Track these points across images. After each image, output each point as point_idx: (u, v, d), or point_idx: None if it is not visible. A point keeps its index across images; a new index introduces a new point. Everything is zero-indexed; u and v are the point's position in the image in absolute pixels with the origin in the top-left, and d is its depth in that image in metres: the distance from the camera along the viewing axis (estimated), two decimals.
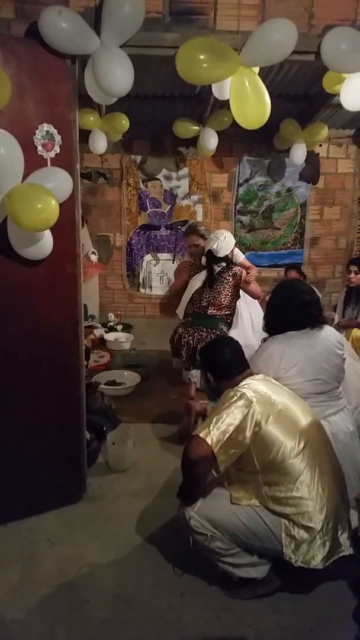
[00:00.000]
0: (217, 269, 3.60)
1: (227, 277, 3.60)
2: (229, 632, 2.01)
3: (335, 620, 2.06)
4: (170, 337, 3.85)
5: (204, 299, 3.58)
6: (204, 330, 3.51)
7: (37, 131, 2.29)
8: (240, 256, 4.38)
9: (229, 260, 3.73)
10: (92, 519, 2.68)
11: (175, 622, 2.05)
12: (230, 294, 3.59)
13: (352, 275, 4.11)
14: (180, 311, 3.72)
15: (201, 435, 1.92)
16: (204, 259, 3.69)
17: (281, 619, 2.06)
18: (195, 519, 2.06)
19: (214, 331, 3.51)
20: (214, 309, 3.58)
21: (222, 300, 3.59)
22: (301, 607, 2.12)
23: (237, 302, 3.79)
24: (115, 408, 3.67)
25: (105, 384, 4.16)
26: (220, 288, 3.58)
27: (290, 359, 2.36)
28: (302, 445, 2.01)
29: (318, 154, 5.64)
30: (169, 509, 2.47)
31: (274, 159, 5.62)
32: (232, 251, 3.97)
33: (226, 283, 3.59)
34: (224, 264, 3.62)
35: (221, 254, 3.62)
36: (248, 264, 4.32)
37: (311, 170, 5.68)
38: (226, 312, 3.64)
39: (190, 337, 3.53)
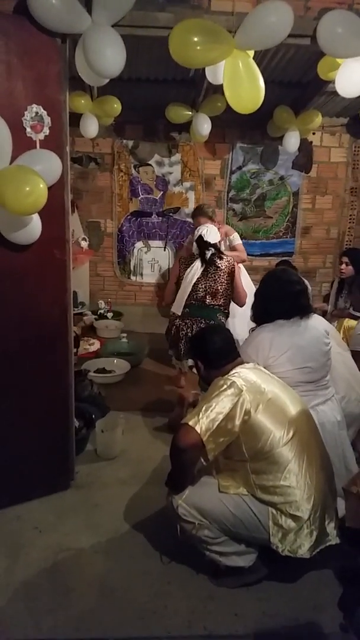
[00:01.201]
0: (208, 254, 3.57)
1: (220, 265, 3.57)
2: (216, 620, 2.02)
3: (321, 608, 2.07)
4: (166, 329, 3.81)
5: (200, 289, 3.55)
6: (202, 321, 3.48)
7: (26, 112, 2.24)
8: (237, 239, 4.38)
9: (218, 249, 3.71)
10: (80, 507, 2.67)
11: (162, 610, 2.05)
12: (225, 282, 3.57)
13: (344, 266, 4.11)
14: (176, 308, 3.67)
15: (190, 423, 1.91)
16: (195, 247, 3.66)
17: (267, 607, 2.07)
18: (183, 507, 2.05)
19: (212, 322, 3.48)
20: (211, 299, 3.55)
21: (218, 287, 3.57)
22: (287, 595, 2.12)
23: None
24: (105, 396, 3.65)
25: (94, 372, 4.13)
26: (215, 276, 3.56)
27: (280, 347, 2.35)
28: (290, 434, 2.00)
29: (311, 142, 5.59)
30: (158, 497, 2.46)
31: (267, 147, 5.56)
32: (226, 236, 3.97)
33: (220, 271, 3.56)
34: (213, 250, 3.60)
35: (211, 240, 3.61)
36: (241, 248, 4.33)
37: (304, 159, 5.64)
38: (223, 301, 3.62)
39: (188, 330, 3.50)
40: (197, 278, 3.58)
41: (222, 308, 3.62)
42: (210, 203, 5.71)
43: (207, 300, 3.55)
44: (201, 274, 3.59)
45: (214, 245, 3.64)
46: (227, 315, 3.69)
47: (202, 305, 3.56)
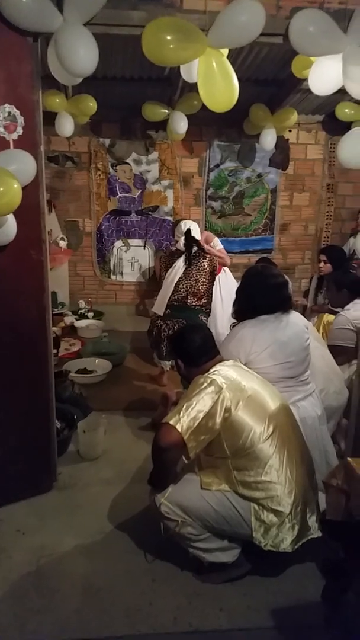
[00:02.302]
0: (194, 249, 3.58)
1: (203, 263, 3.58)
2: (201, 616, 2.03)
3: (305, 600, 2.09)
4: (148, 329, 3.81)
5: (182, 289, 3.55)
6: (184, 322, 3.48)
7: None
8: (218, 245, 4.39)
9: (201, 247, 3.73)
10: (63, 508, 2.66)
11: (147, 607, 2.06)
12: (207, 281, 3.58)
13: (322, 264, 4.16)
14: (157, 309, 3.66)
15: (171, 422, 1.91)
16: (182, 241, 3.66)
17: (252, 602, 2.09)
18: (166, 505, 2.06)
19: (198, 322, 3.49)
20: (193, 299, 3.55)
21: (200, 287, 3.57)
22: (271, 589, 2.15)
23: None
24: (87, 396, 3.63)
25: (76, 372, 4.11)
26: (197, 275, 3.57)
27: (261, 343, 2.37)
28: (271, 429, 2.02)
29: (288, 139, 5.63)
30: (141, 496, 2.46)
31: (244, 144, 5.59)
32: (207, 243, 3.98)
33: (202, 270, 3.57)
34: (196, 248, 3.62)
35: (195, 235, 3.62)
36: (224, 253, 4.35)
37: (281, 156, 5.67)
38: (204, 301, 3.64)
39: (170, 331, 3.50)
40: (179, 278, 3.58)
41: (203, 308, 3.63)
42: (188, 201, 5.73)
43: (189, 301, 3.56)
44: (183, 273, 3.59)
45: (198, 242, 3.66)
46: (208, 315, 3.71)
47: (183, 305, 3.56)
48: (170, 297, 3.60)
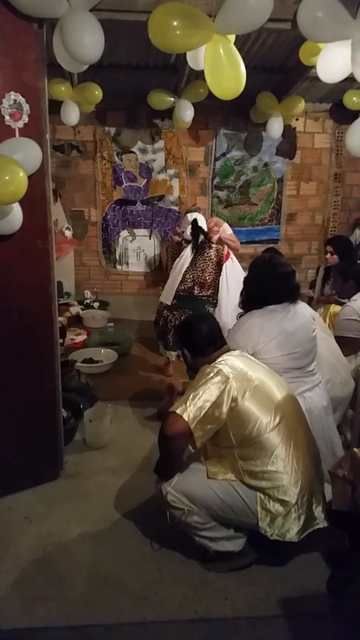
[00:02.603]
0: (200, 238, 3.57)
1: (210, 253, 3.57)
2: (206, 605, 2.04)
3: (311, 590, 2.10)
4: (154, 320, 3.81)
5: (188, 279, 3.55)
6: (191, 313, 3.47)
7: (3, 100, 2.19)
8: (228, 229, 4.38)
9: (207, 236, 3.72)
10: (70, 496, 2.67)
11: (153, 596, 2.07)
12: (213, 271, 3.57)
13: (329, 256, 4.13)
14: (164, 298, 3.65)
15: (178, 411, 1.91)
16: (189, 230, 3.65)
17: (257, 591, 2.10)
18: (172, 494, 2.06)
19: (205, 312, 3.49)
20: (199, 289, 3.54)
21: (207, 277, 3.57)
22: (277, 578, 2.15)
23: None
24: (93, 386, 3.64)
25: (82, 362, 4.12)
26: (203, 265, 3.56)
27: (269, 333, 2.36)
28: (277, 420, 2.02)
29: (295, 128, 5.58)
30: (147, 485, 2.47)
31: (251, 133, 5.55)
32: (215, 224, 3.97)
33: (209, 260, 3.56)
34: (202, 237, 3.61)
35: (202, 225, 3.61)
36: (234, 237, 4.33)
37: (288, 145, 5.63)
38: (211, 292, 3.63)
39: (176, 321, 3.50)
40: (186, 268, 3.57)
41: (210, 299, 3.63)
42: (194, 190, 5.70)
43: (195, 291, 3.55)
44: (190, 263, 3.58)
45: (205, 232, 3.65)
46: (215, 305, 3.70)
47: (190, 296, 3.56)
48: (177, 287, 3.60)
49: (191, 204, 5.61)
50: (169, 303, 3.63)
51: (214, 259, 3.57)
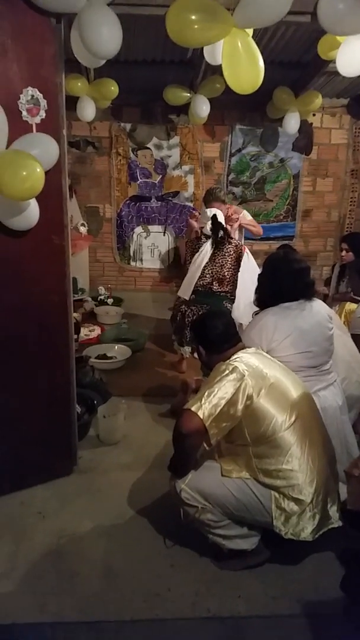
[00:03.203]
0: (220, 233, 3.57)
1: (229, 249, 3.56)
2: (219, 602, 2.03)
3: (324, 590, 2.08)
4: (171, 315, 3.80)
5: (207, 275, 3.54)
6: (209, 308, 3.47)
7: (21, 95, 2.19)
8: (247, 216, 4.39)
9: (227, 231, 3.71)
10: (83, 492, 2.68)
11: (165, 593, 2.07)
12: (232, 267, 3.56)
13: (344, 253, 4.09)
14: (183, 292, 3.64)
15: (193, 408, 1.90)
16: (209, 226, 3.64)
17: (270, 589, 2.09)
18: (186, 492, 2.05)
19: (221, 309, 3.48)
20: (218, 285, 3.53)
21: (225, 273, 3.56)
22: (290, 577, 2.14)
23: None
24: (106, 382, 3.65)
25: (95, 358, 4.13)
26: (222, 261, 3.55)
27: (283, 330, 2.34)
28: (293, 418, 2.00)
29: (311, 123, 5.52)
30: (160, 481, 2.47)
31: (267, 128, 5.50)
32: (234, 212, 3.95)
33: (228, 255, 3.55)
34: (222, 233, 3.60)
35: (221, 220, 3.60)
36: (254, 222, 4.33)
37: (304, 141, 5.57)
38: (229, 288, 3.62)
39: (194, 316, 3.49)
40: (205, 263, 3.56)
41: (228, 295, 3.62)
42: (209, 186, 5.66)
43: (214, 287, 3.54)
44: (209, 259, 3.57)
45: (224, 228, 3.64)
46: (232, 302, 3.69)
47: (209, 292, 3.54)
48: (195, 283, 3.59)
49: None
50: (187, 298, 3.62)
51: (233, 254, 3.56)
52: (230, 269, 3.55)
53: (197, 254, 3.61)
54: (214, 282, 3.56)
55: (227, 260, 3.55)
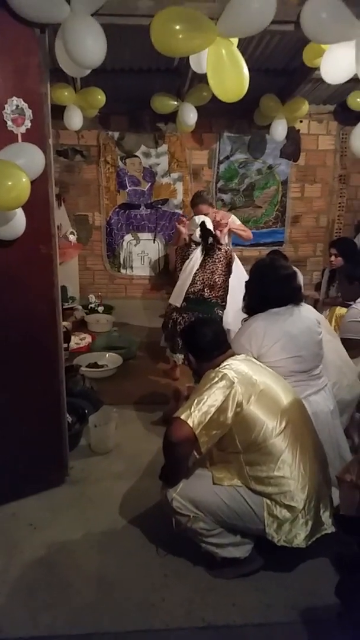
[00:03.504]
0: (210, 239, 3.58)
1: (219, 255, 3.57)
2: (214, 611, 2.02)
3: (318, 596, 2.07)
4: (163, 323, 3.80)
5: (198, 281, 3.54)
6: (200, 316, 3.47)
7: (6, 105, 2.19)
8: (236, 220, 4.40)
9: (216, 238, 3.72)
10: (75, 502, 2.66)
11: (159, 603, 2.05)
12: (223, 273, 3.58)
13: (333, 258, 4.11)
14: (174, 300, 3.65)
15: (182, 417, 1.89)
16: (198, 232, 3.65)
17: (265, 597, 2.07)
18: (178, 501, 2.04)
19: (210, 316, 3.48)
20: (209, 291, 3.54)
21: (216, 279, 3.57)
22: (284, 584, 2.13)
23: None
24: (98, 390, 3.63)
25: (86, 367, 4.11)
26: (213, 267, 3.56)
27: (273, 336, 2.35)
28: (283, 424, 2.00)
29: (299, 130, 5.57)
30: (152, 490, 2.45)
31: (255, 135, 5.53)
32: (222, 217, 3.97)
33: (218, 262, 3.57)
34: (212, 239, 3.61)
35: (210, 227, 3.62)
36: (243, 227, 4.35)
37: (292, 147, 5.62)
38: (220, 294, 3.63)
39: (186, 324, 3.49)
40: (196, 270, 3.57)
41: (219, 301, 3.62)
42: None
43: (206, 294, 3.55)
44: (199, 265, 3.58)
45: (213, 235, 3.66)
46: (224, 308, 3.70)
47: (200, 299, 3.55)
48: (186, 290, 3.59)
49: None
50: (178, 305, 3.62)
51: (223, 260, 3.57)
52: (221, 275, 3.57)
53: (187, 261, 3.61)
54: (205, 289, 3.57)
55: (218, 267, 3.56)
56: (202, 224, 3.66)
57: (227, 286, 3.68)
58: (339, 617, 1.99)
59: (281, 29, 2.46)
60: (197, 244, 3.69)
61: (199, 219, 3.72)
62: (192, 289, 3.59)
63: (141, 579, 2.16)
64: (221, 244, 3.73)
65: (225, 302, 3.71)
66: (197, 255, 3.60)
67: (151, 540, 2.36)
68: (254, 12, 2.21)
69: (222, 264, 3.59)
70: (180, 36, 2.25)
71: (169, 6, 2.26)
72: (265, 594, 2.09)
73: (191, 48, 2.39)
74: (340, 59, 2.52)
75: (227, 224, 4.03)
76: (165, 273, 5.77)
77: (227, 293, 3.70)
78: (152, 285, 5.94)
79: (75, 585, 2.14)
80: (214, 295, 3.59)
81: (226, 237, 4.22)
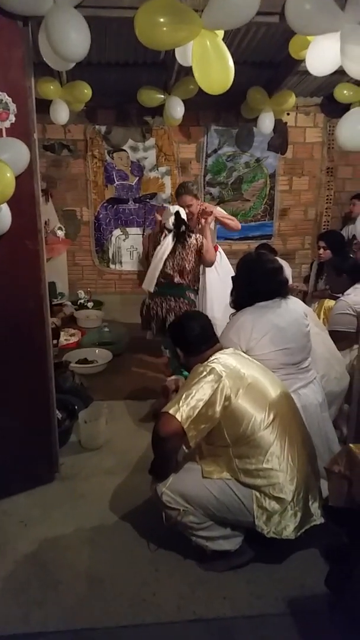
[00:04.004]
0: (182, 228, 3.60)
1: (190, 242, 3.60)
2: (205, 604, 2.03)
3: (309, 587, 2.09)
4: (139, 310, 3.82)
5: (168, 267, 3.57)
6: (172, 299, 3.54)
7: None
8: (222, 211, 4.37)
9: (189, 228, 3.73)
10: (66, 498, 2.66)
11: (150, 598, 2.06)
12: (193, 259, 3.62)
13: (322, 251, 4.12)
14: (147, 285, 3.68)
15: (170, 411, 1.89)
16: (171, 220, 3.66)
17: (255, 589, 2.09)
18: (168, 495, 2.05)
19: (182, 299, 3.53)
20: (179, 277, 3.57)
21: (186, 265, 3.61)
22: (275, 576, 2.14)
23: (201, 274, 3.85)
24: (88, 386, 3.62)
25: (76, 363, 4.10)
26: (183, 254, 3.59)
27: (261, 329, 2.36)
28: (271, 417, 2.01)
29: (286, 123, 5.55)
30: (143, 485, 2.44)
31: (242, 129, 5.52)
32: (206, 207, 3.96)
33: (188, 248, 3.60)
34: (184, 227, 3.63)
35: (184, 217, 3.64)
36: (229, 216, 4.32)
37: (279, 140, 5.61)
38: (190, 278, 3.66)
39: (158, 308, 3.55)
40: (167, 256, 3.59)
41: (190, 285, 3.67)
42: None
43: (176, 279, 3.57)
44: (170, 251, 3.61)
45: (186, 224, 3.67)
46: (195, 292, 3.74)
47: (170, 283, 3.58)
48: (160, 276, 3.62)
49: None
50: (151, 290, 3.65)
51: (194, 248, 3.61)
52: (191, 261, 3.61)
53: (158, 247, 3.63)
54: (175, 274, 3.60)
55: (188, 253, 3.60)
56: (177, 213, 3.68)
57: (198, 272, 3.72)
58: (330, 607, 2.01)
59: (266, 20, 2.45)
60: (169, 230, 3.71)
61: (173, 208, 3.74)
62: (163, 274, 3.62)
63: (132, 574, 2.17)
64: (192, 232, 3.75)
65: (197, 286, 3.76)
66: (168, 242, 3.63)
67: (142, 535, 2.37)
68: (239, 4, 2.19)
69: (192, 251, 3.64)
70: (165, 29, 2.22)
71: None
72: (256, 586, 2.10)
73: (176, 41, 2.37)
74: (326, 50, 2.51)
75: (212, 212, 4.02)
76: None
77: (197, 279, 3.75)
78: (141, 280, 5.90)
79: (66, 581, 2.14)
80: (183, 280, 3.63)
81: (212, 225, 4.20)
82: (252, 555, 2.18)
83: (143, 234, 5.76)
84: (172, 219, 3.64)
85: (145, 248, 3.89)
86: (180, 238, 3.59)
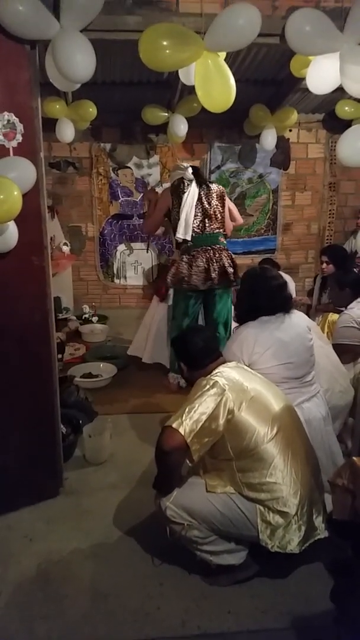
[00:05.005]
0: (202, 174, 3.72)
1: (212, 187, 3.71)
2: (209, 619, 2.02)
3: (313, 602, 2.08)
4: (171, 274, 3.77)
5: (199, 213, 3.62)
6: (209, 249, 3.62)
7: None
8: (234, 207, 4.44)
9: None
10: (70, 513, 2.66)
11: (155, 612, 2.05)
12: (220, 204, 3.70)
13: (324, 265, 4.15)
14: (183, 233, 3.63)
15: (174, 425, 1.91)
16: (190, 171, 3.71)
17: (260, 603, 2.08)
18: (172, 509, 2.05)
19: (218, 246, 3.64)
20: (209, 223, 3.62)
21: (215, 210, 3.66)
22: (279, 590, 2.14)
23: None
24: (92, 400, 3.63)
25: (81, 377, 4.11)
26: (209, 199, 3.69)
27: (264, 343, 2.38)
28: (275, 430, 2.02)
29: (288, 139, 5.63)
30: (147, 500, 2.44)
31: (245, 145, 5.59)
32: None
33: (213, 192, 3.68)
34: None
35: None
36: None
37: (282, 156, 5.67)
38: (219, 224, 3.73)
39: (198, 260, 3.61)
40: (196, 202, 3.65)
41: (221, 231, 3.71)
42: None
43: (206, 227, 3.61)
44: (197, 198, 3.66)
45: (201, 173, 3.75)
46: (225, 237, 3.84)
47: (201, 234, 3.63)
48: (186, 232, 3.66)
49: None
50: (188, 238, 3.65)
51: (214, 194, 3.69)
52: (218, 207, 3.67)
53: (184, 195, 3.65)
54: (205, 220, 3.64)
55: (213, 198, 3.66)
56: (192, 166, 3.78)
57: (223, 217, 3.78)
58: (335, 622, 2.00)
59: (266, 41, 2.51)
60: (189, 181, 3.74)
61: (185, 164, 3.83)
62: (195, 222, 3.64)
63: (136, 589, 2.17)
64: (211, 181, 3.81)
65: (226, 233, 3.85)
66: (193, 188, 3.67)
67: (146, 550, 2.36)
68: (239, 29, 2.26)
69: (217, 196, 3.69)
70: (168, 51, 2.29)
71: (156, 21, 2.30)
72: (261, 601, 2.09)
73: (179, 62, 2.44)
74: (326, 70, 2.57)
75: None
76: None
77: (224, 224, 3.82)
78: (145, 294, 5.96)
79: (71, 595, 2.14)
80: (214, 226, 3.66)
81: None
82: (257, 569, 2.17)
83: (147, 250, 5.81)
84: (189, 171, 3.71)
85: (168, 201, 3.83)
86: (203, 185, 3.64)
